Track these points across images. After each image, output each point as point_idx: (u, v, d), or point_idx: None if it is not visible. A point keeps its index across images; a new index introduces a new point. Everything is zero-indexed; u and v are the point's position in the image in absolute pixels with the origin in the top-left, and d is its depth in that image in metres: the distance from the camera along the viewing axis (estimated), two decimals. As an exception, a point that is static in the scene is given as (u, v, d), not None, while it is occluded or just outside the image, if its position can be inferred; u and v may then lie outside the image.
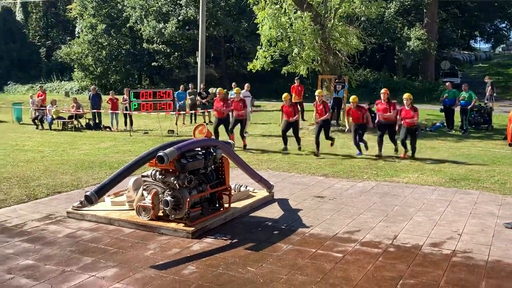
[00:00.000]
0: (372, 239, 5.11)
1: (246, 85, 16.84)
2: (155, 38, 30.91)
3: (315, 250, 4.78)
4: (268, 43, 16.54)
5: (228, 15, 31.42)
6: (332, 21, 15.98)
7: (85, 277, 4.14)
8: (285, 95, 11.62)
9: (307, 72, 16.79)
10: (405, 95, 10.39)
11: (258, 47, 17.09)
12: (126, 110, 16.97)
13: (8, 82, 37.89)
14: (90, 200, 4.86)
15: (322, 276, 4.12)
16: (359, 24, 17.66)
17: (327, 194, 7.08)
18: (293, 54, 16.31)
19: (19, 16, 41.81)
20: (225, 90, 13.72)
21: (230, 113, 12.60)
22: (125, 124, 17.09)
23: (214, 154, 5.81)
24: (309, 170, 9.02)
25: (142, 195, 5.76)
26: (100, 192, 4.94)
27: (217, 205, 5.93)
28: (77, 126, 17.36)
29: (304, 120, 17.07)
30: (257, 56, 17.00)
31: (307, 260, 4.51)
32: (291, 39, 16.10)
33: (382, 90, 10.72)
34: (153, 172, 5.53)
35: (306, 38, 15.64)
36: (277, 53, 16.52)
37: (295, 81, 17.36)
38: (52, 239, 5.18)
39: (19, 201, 6.76)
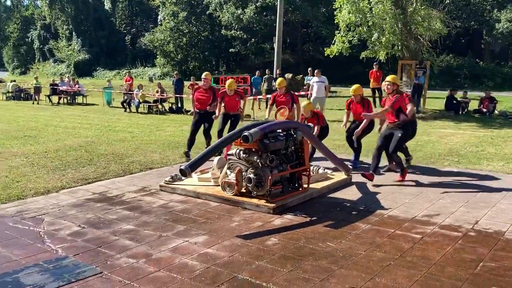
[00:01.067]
0: (452, 223, 5.12)
1: (317, 71, 16.62)
2: (233, 24, 31.59)
3: (393, 230, 4.90)
4: (347, 28, 16.41)
5: (306, 0, 31.30)
6: (414, 4, 15.51)
7: (180, 241, 4.60)
8: (355, 87, 8.10)
9: (386, 57, 16.47)
10: (388, 78, 7.13)
11: (336, 32, 17.01)
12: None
13: (97, 68, 40.61)
14: (184, 173, 5.31)
15: (400, 254, 4.26)
16: (443, 7, 16.97)
17: (406, 179, 7.09)
18: (372, 39, 16.08)
19: (107, 5, 44.43)
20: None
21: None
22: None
23: (295, 135, 6.06)
24: (387, 155, 9.00)
25: (227, 172, 6.17)
26: (193, 166, 5.37)
27: (296, 185, 6.20)
28: (161, 109, 18.39)
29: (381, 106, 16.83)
30: (335, 41, 16.94)
31: (385, 239, 4.66)
32: (370, 24, 15.86)
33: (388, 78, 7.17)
34: (238, 151, 5.91)
35: (386, 22, 15.35)
36: (355, 38, 16.36)
37: (374, 66, 17.09)
38: (148, 208, 5.74)
39: (117, 175, 7.48)
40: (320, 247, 4.46)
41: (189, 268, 3.99)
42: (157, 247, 4.45)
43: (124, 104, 19.01)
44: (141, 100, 18.71)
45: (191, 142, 8.78)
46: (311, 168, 6.69)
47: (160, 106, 18.49)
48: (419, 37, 15.93)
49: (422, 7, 15.69)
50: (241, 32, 32.21)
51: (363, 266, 4.01)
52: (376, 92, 16.93)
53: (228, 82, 9.22)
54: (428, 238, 4.66)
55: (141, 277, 3.81)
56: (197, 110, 8.89)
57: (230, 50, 33.72)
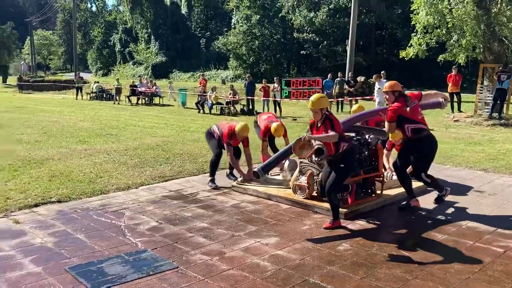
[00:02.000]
0: (539, 238, 4.79)
1: (375, 76, 15.97)
2: (305, 27, 31.55)
3: (472, 242, 4.67)
4: (424, 30, 15.83)
5: (381, 1, 30.56)
6: (499, 5, 14.62)
7: (251, 242, 4.69)
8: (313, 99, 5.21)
9: (466, 60, 15.68)
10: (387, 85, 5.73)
11: (412, 34, 16.46)
12: (275, 97, 17.91)
13: (173, 70, 42.23)
14: (257, 175, 5.41)
15: (480, 267, 4.05)
16: (532, 7, 15.84)
17: (487, 189, 6.71)
18: (452, 41, 15.37)
19: (184, 10, 46.09)
20: None
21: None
22: (275, 111, 18.00)
23: (369, 141, 5.96)
24: (466, 163, 8.57)
25: (298, 175, 6.19)
26: (266, 169, 5.46)
27: (369, 191, 6.08)
28: (233, 111, 18.78)
29: (460, 111, 16.05)
30: (411, 44, 16.40)
31: (464, 250, 4.45)
32: (449, 26, 15.17)
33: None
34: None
35: (467, 24, 14.60)
36: (433, 40, 15.73)
37: (453, 69, 16.32)
38: (221, 207, 5.90)
39: (191, 174, 7.76)
40: (394, 255, 4.35)
41: (260, 268, 4.06)
42: (230, 246, 4.57)
43: (198, 105, 19.61)
44: (214, 102, 19.22)
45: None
46: (385, 174, 6.54)
47: (232, 108, 18.88)
48: (503, 39, 14.99)
49: (508, 8, 14.76)
50: (313, 34, 32.09)
51: (439, 277, 3.86)
52: (455, 96, 16.16)
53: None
54: (511, 253, 4.39)
55: (214, 274, 3.94)
56: None
57: (301, 52, 33.68)
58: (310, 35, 32.10)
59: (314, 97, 5.14)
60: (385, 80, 14.33)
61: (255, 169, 5.39)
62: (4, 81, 39.71)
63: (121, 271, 4.00)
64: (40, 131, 12.72)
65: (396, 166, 5.69)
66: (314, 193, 5.91)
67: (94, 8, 62.10)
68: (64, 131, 12.74)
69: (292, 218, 5.46)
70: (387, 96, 5.63)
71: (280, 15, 33.76)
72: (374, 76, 14.52)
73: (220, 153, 6.97)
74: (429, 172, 5.74)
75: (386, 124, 5.46)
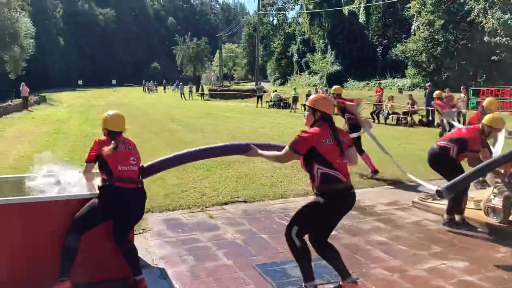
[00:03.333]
0: None
1: None
2: (498, 31, 28.43)
3: None
4: None
5: None
6: None
7: (436, 263, 4.42)
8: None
9: None
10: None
11: None
12: (459, 108, 16.52)
13: (348, 79, 42.22)
14: (441, 194, 5.06)
15: None
16: None
17: None
18: None
19: (361, 18, 45.76)
20: None
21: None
22: (458, 122, 16.66)
23: None
24: None
25: (491, 196, 5.61)
26: (451, 188, 5.06)
27: None
28: (410, 122, 17.94)
29: None
30: None
31: None
32: None
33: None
34: (509, 173, 5.32)
35: None
36: None
37: None
38: (401, 223, 5.69)
39: (368, 185, 7.68)
40: None
41: (447, 293, 3.80)
42: (412, 265, 4.38)
43: (373, 114, 19.25)
44: (390, 111, 18.64)
45: None
46: None
47: (409, 118, 18.06)
48: None
49: None
50: (507, 38, 28.68)
51: None
52: None
53: None
54: None
55: (396, 292, 3.82)
56: None
57: (492, 58, 30.39)
58: (504, 39, 28.77)
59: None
60: None
61: (438, 188, 5.04)
62: (198, 90, 44.82)
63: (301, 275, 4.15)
64: (227, 135, 14.00)
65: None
66: (511, 218, 5.29)
67: (275, 21, 65.88)
68: (246, 136, 13.79)
69: (484, 243, 4.97)
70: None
71: (468, 19, 31.06)
72: None
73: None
74: None
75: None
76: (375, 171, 8.35)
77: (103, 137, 3.99)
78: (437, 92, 13.00)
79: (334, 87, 9.22)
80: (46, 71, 59.96)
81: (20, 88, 27.64)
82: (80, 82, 62.38)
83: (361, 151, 8.25)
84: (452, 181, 5.24)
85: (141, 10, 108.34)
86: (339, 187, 3.48)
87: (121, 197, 3.75)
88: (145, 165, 4.25)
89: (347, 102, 8.62)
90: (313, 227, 3.63)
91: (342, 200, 3.54)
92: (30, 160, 9.48)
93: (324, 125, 3.58)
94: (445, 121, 10.83)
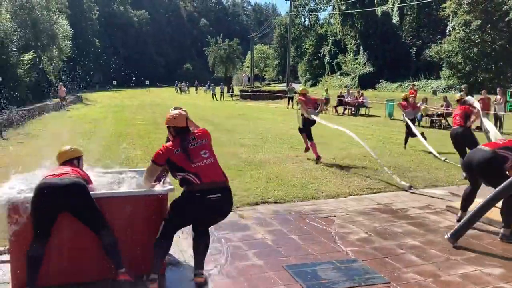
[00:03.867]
0: None
1: None
2: (539, 31, 27.49)
3: None
4: None
5: None
6: None
7: (470, 269, 4.33)
8: None
9: None
10: None
11: None
12: (495, 110, 16.08)
13: (380, 80, 41.65)
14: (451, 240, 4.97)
15: None
16: None
17: None
18: None
19: (395, 19, 45.05)
20: None
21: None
22: (495, 125, 16.23)
23: None
24: None
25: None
26: (456, 235, 4.93)
27: None
28: (444, 124, 17.55)
29: None
30: None
31: None
32: None
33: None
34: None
35: None
36: None
37: None
38: (434, 227, 5.60)
39: (400, 188, 7.55)
40: None
41: (482, 299, 3.73)
42: (445, 269, 4.31)
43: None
44: (424, 114, 18.27)
45: None
46: None
47: (444, 121, 17.67)
48: None
49: None
50: (548, 39, 27.73)
51: None
52: None
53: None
54: None
55: (429, 297, 3.77)
56: None
57: (534, 60, 29.46)
58: (544, 40, 27.81)
59: None
60: None
61: (446, 236, 4.95)
62: (229, 90, 45.13)
63: (333, 277, 4.15)
64: (257, 136, 14.06)
65: None
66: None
67: (307, 22, 65.62)
68: (277, 137, 13.82)
69: (521, 250, 4.83)
70: None
71: (506, 19, 30.15)
72: None
73: None
74: None
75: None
76: (318, 158, 9.71)
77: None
78: (404, 94, 14.69)
79: (300, 88, 11.40)
80: (83, 71, 61.59)
81: (58, 88, 28.51)
82: (114, 82, 63.81)
83: (310, 139, 10.06)
84: (458, 225, 5.00)
85: (174, 12, 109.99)
86: (195, 188, 3.79)
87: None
88: None
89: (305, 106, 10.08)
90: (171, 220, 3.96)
91: (192, 201, 3.81)
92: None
93: (177, 138, 4.02)
94: (407, 119, 12.34)
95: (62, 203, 3.74)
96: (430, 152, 10.70)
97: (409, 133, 12.17)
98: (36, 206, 3.69)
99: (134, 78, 61.64)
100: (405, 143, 12.36)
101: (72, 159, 4.27)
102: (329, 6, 55.78)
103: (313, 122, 10.20)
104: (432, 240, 5.12)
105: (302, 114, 10.23)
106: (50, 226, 3.77)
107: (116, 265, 3.84)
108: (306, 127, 10.14)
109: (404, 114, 12.65)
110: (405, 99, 13.22)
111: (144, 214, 4.08)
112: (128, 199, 4.05)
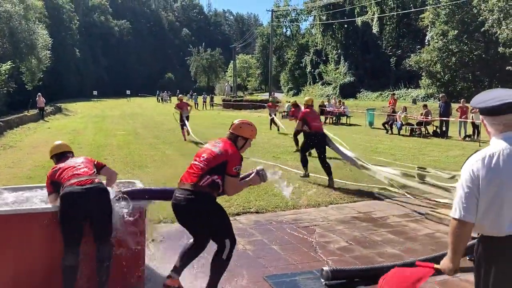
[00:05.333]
0: None
1: None
2: (513, 41, 28.20)
3: None
4: None
5: None
6: None
7: (448, 276, 4.36)
8: None
9: None
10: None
11: None
12: (473, 119, 16.40)
13: (361, 90, 42.13)
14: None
15: None
16: None
17: None
18: None
19: (375, 29, 45.74)
20: None
21: None
22: (473, 133, 16.57)
23: None
24: None
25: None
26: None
27: None
28: (424, 132, 17.81)
29: None
30: None
31: None
32: None
33: None
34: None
35: None
36: None
37: None
38: (413, 235, 5.65)
39: (379, 197, 7.61)
40: None
41: (460, 307, 3.75)
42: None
43: (386, 125, 19.16)
44: (403, 122, 18.54)
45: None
46: None
47: (423, 129, 17.93)
48: None
49: None
50: (522, 49, 28.45)
51: None
52: None
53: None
54: None
55: (408, 305, 3.77)
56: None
57: (507, 68, 30.14)
58: (518, 50, 28.52)
59: None
60: None
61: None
62: (211, 100, 45.17)
63: (313, 287, 4.14)
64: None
65: None
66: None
67: (288, 33, 66.19)
68: (260, 147, 13.81)
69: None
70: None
71: (482, 29, 30.89)
72: None
73: None
74: None
75: None
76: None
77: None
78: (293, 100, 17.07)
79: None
80: (62, 81, 60.89)
81: (37, 98, 28.10)
82: (95, 92, 63.21)
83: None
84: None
85: (156, 22, 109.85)
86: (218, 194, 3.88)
87: None
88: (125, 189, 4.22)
89: None
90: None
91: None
92: (45, 169, 9.62)
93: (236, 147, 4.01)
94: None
95: (89, 209, 3.70)
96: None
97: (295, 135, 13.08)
98: (66, 215, 3.64)
99: (115, 88, 61.17)
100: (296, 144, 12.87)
101: (69, 152, 4.34)
102: (310, 16, 56.39)
103: (322, 137, 9.01)
104: (412, 248, 5.16)
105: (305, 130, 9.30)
106: (80, 234, 3.71)
107: (101, 286, 3.73)
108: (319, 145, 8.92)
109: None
110: (296, 105, 14.95)
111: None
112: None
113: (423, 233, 5.73)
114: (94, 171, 4.01)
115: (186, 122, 16.00)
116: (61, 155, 4.26)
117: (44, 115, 28.60)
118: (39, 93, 28.52)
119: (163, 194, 4.23)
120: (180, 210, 3.76)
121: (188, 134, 15.68)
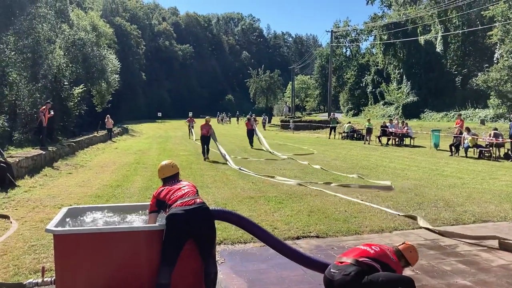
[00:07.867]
0: None
1: None
2: None
3: None
4: None
5: None
6: None
7: (528, 313, 4.04)
8: None
9: None
10: None
11: None
12: None
13: (425, 110, 40.77)
14: None
15: None
16: None
17: None
18: None
19: (439, 47, 44.36)
20: None
21: None
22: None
23: None
24: None
25: None
26: None
27: None
28: (494, 155, 16.85)
29: None
30: None
31: None
32: None
33: None
34: None
35: None
36: None
37: None
38: (486, 266, 5.29)
39: (447, 223, 7.23)
40: None
41: None
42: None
43: (452, 147, 18.34)
44: (471, 144, 17.65)
45: None
46: None
47: (493, 151, 16.96)
48: None
49: None
50: None
51: None
52: None
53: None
54: None
55: None
56: None
57: None
58: None
59: None
60: None
61: None
62: (269, 121, 45.48)
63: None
64: (298, 167, 13.95)
65: None
66: None
67: (348, 53, 65.72)
68: (319, 169, 13.65)
69: None
70: None
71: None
72: None
73: None
74: None
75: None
76: None
77: None
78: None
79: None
80: (129, 103, 63.79)
81: (106, 120, 29.59)
82: (159, 114, 65.65)
83: None
84: None
85: (217, 45, 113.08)
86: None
87: None
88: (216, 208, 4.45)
89: None
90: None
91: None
92: (113, 188, 10.05)
93: None
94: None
95: (195, 228, 3.93)
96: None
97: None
98: (171, 234, 3.86)
99: (178, 110, 63.20)
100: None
101: (176, 174, 4.58)
102: (371, 36, 55.72)
103: None
104: (485, 280, 4.83)
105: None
106: (179, 252, 3.92)
107: None
108: None
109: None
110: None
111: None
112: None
113: (497, 264, 5.35)
114: (197, 191, 4.28)
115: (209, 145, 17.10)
116: (170, 177, 4.48)
117: (112, 136, 30.00)
118: (108, 115, 30.01)
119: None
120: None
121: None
